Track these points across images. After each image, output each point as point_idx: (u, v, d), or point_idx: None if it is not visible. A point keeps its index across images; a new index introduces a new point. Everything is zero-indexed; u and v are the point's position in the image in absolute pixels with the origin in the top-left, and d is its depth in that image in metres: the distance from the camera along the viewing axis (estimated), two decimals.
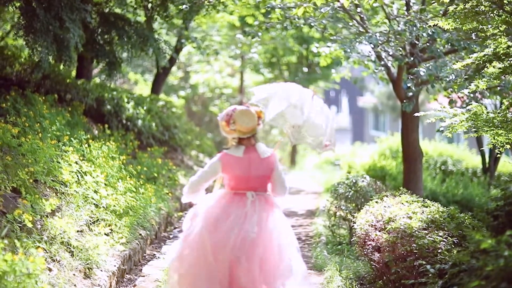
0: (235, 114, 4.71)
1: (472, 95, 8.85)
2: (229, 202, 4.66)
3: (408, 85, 8.51)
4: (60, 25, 8.27)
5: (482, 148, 13.92)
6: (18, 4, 8.26)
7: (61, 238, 5.45)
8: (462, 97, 10.16)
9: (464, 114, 6.39)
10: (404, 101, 8.94)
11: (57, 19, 8.25)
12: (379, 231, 5.77)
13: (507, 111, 6.43)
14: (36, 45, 8.07)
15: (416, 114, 7.50)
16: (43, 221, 5.41)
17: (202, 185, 4.74)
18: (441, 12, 8.95)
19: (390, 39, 8.76)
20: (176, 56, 13.66)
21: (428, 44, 9.03)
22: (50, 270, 4.94)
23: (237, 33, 17.73)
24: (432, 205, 6.02)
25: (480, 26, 6.32)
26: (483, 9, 6.06)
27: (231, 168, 4.68)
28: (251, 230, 4.53)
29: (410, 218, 5.65)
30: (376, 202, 6.36)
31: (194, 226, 4.66)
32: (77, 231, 5.85)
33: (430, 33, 8.18)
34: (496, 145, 6.69)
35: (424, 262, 5.07)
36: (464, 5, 6.11)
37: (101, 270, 5.60)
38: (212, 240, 4.52)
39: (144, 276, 6.23)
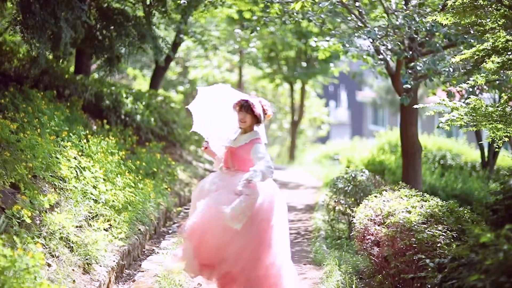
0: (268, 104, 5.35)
1: (470, 89, 8.84)
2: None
3: (406, 80, 8.50)
4: (55, 23, 8.24)
5: (481, 142, 13.93)
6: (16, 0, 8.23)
7: (60, 233, 5.44)
8: (461, 91, 10.15)
9: (463, 107, 6.37)
10: (402, 94, 8.93)
11: (52, 16, 8.21)
12: (378, 225, 5.77)
13: (506, 105, 6.42)
14: (33, 40, 8.04)
15: (415, 106, 7.49)
16: (42, 216, 5.40)
17: None
18: (439, 6, 8.92)
19: (388, 33, 8.75)
20: (172, 55, 13.64)
21: (427, 38, 9.02)
22: (49, 265, 4.94)
23: (236, 28, 17.70)
24: (431, 199, 6.00)
25: (479, 20, 6.30)
26: (481, 3, 6.04)
27: None
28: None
29: (409, 212, 5.64)
30: (375, 196, 6.35)
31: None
32: (76, 227, 5.85)
33: (429, 27, 8.15)
34: (495, 139, 6.68)
35: (423, 256, 5.07)
36: None
37: (100, 266, 5.60)
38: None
39: (143, 271, 6.23)
